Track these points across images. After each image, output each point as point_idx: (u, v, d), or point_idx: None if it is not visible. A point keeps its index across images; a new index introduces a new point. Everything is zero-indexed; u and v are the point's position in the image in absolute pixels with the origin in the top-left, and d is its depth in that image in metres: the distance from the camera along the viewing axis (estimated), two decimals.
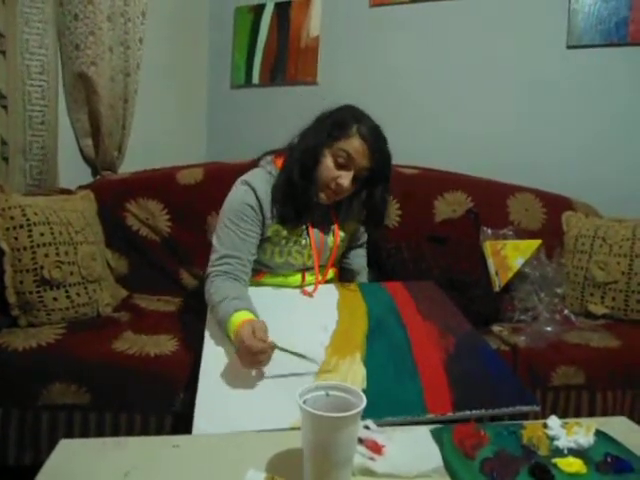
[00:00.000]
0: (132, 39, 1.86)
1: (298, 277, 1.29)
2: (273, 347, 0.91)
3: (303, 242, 1.25)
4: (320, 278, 1.29)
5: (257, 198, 1.18)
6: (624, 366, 1.25)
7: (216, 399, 0.86)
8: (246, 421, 0.81)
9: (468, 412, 0.84)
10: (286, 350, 0.92)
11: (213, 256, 1.16)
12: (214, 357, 0.98)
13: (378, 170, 1.18)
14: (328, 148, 1.15)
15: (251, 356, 0.90)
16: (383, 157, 1.18)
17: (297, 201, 1.18)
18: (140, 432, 1.12)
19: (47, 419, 1.12)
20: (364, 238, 1.51)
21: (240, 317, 0.98)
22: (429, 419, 0.82)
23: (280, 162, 1.24)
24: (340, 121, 1.16)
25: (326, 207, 1.26)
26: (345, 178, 1.15)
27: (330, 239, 1.29)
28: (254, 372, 0.92)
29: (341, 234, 1.31)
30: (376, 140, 1.16)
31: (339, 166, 1.15)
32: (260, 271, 1.28)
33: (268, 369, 0.92)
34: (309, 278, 1.29)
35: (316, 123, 1.21)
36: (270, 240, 1.23)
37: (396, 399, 0.86)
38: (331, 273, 1.36)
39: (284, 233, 1.22)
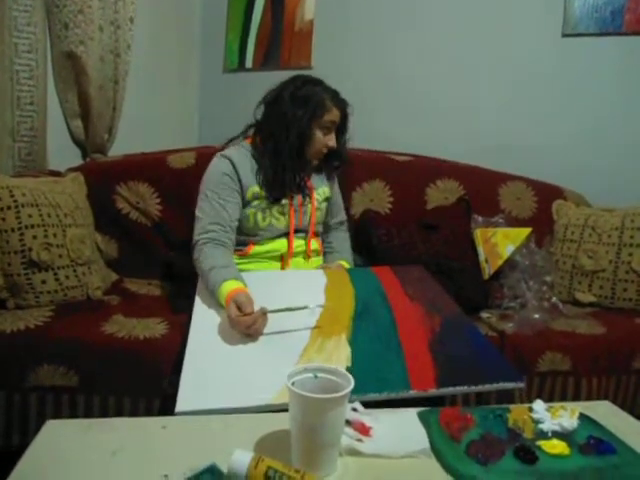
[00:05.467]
0: (123, 18, 1.83)
1: (284, 242, 1.33)
2: (264, 313, 0.99)
3: (282, 202, 1.31)
4: (304, 244, 1.36)
5: (233, 165, 1.28)
6: (609, 353, 1.27)
7: (200, 376, 0.87)
8: (229, 398, 0.80)
9: (451, 388, 0.84)
10: (278, 311, 1.00)
11: (197, 225, 1.24)
12: (201, 334, 1.00)
13: (342, 122, 1.35)
14: (316, 124, 1.28)
15: (245, 330, 0.97)
16: (346, 107, 1.34)
17: (293, 170, 1.29)
18: (129, 414, 1.12)
19: (35, 401, 1.11)
20: (342, 215, 1.54)
21: (227, 288, 1.06)
22: (412, 395, 0.83)
23: (249, 140, 1.37)
24: (316, 98, 1.28)
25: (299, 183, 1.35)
26: (333, 140, 1.32)
27: (308, 200, 1.36)
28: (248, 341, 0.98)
29: (317, 197, 1.38)
30: (342, 100, 1.32)
31: (325, 133, 1.30)
32: (247, 243, 1.32)
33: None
34: (296, 242, 1.34)
35: (284, 105, 1.28)
36: (251, 204, 1.29)
37: (380, 376, 0.86)
38: (315, 244, 1.40)
39: (262, 193, 1.29)
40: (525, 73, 1.99)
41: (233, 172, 1.27)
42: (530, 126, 2.00)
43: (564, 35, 1.92)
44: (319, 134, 1.29)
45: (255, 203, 1.29)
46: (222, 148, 1.37)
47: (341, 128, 1.35)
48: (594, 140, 1.94)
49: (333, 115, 1.29)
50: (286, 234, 1.34)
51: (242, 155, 1.31)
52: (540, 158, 1.96)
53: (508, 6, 1.97)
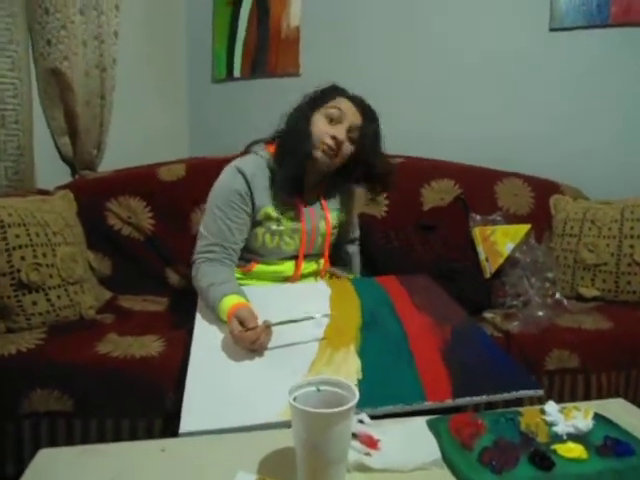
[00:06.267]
0: (106, 33, 1.80)
1: (291, 265, 1.27)
2: (268, 326, 0.95)
3: (295, 227, 1.24)
4: (317, 267, 1.31)
5: (247, 182, 1.18)
6: (617, 347, 1.24)
7: (205, 395, 0.83)
8: (234, 416, 0.77)
9: (468, 398, 0.81)
10: (282, 323, 0.97)
11: (199, 242, 1.19)
12: (203, 351, 0.96)
13: (369, 128, 1.19)
14: (317, 110, 1.18)
15: (249, 345, 0.93)
16: (372, 113, 1.21)
17: (295, 164, 1.16)
18: (128, 437, 1.08)
19: (29, 428, 1.08)
20: (356, 233, 1.49)
21: (228, 303, 1.02)
22: (427, 407, 0.80)
23: (272, 148, 1.25)
24: (323, 90, 1.21)
25: (316, 192, 1.28)
26: (339, 132, 1.16)
27: (322, 224, 1.29)
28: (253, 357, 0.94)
29: (332, 221, 1.31)
30: (362, 100, 1.22)
31: (331, 122, 1.17)
32: (251, 260, 1.26)
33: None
34: (305, 266, 1.28)
35: (299, 104, 1.23)
36: (262, 224, 1.22)
37: (393, 388, 0.83)
38: (323, 264, 1.35)
39: (274, 214, 1.21)
40: (514, 69, 1.98)
41: (246, 191, 1.17)
42: (520, 121, 1.99)
43: (551, 29, 1.91)
44: (321, 120, 1.16)
45: (266, 224, 1.21)
46: (241, 153, 1.29)
47: (367, 137, 1.19)
48: (585, 133, 1.92)
49: (341, 104, 1.17)
50: (294, 257, 1.27)
51: (258, 169, 1.21)
52: (532, 153, 1.94)
53: (494, 2, 1.96)
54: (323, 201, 1.29)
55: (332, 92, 1.20)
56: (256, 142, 1.29)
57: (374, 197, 1.37)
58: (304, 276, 1.30)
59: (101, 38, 1.79)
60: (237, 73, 2.34)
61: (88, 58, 1.75)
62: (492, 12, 1.97)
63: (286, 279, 1.28)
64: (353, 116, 1.17)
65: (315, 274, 1.33)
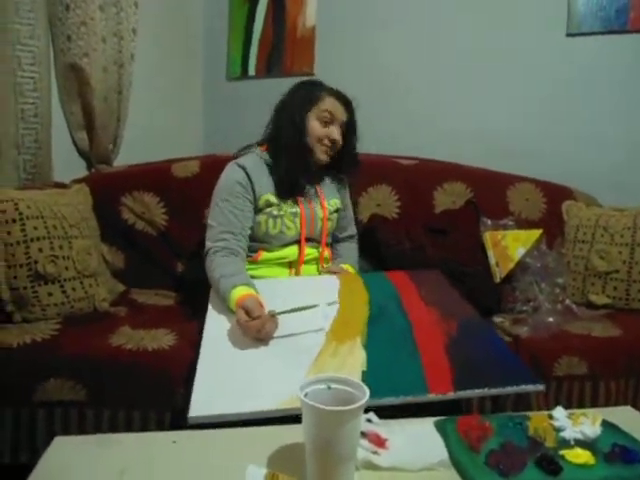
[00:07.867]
0: (125, 29, 1.83)
1: (294, 249, 1.32)
2: (273, 315, 0.98)
3: (294, 210, 1.31)
4: (318, 254, 1.36)
5: (246, 174, 1.28)
6: (626, 355, 1.24)
7: (214, 382, 0.85)
8: (243, 403, 0.79)
9: (470, 391, 0.82)
10: (287, 312, 0.99)
11: (209, 234, 1.25)
12: (213, 340, 0.98)
13: (351, 121, 1.34)
14: (311, 113, 1.30)
15: (256, 334, 0.96)
16: (351, 105, 1.34)
17: (298, 165, 1.28)
18: (139, 428, 1.10)
19: (43, 416, 1.10)
20: (352, 229, 1.52)
21: (236, 294, 1.06)
22: (429, 399, 0.81)
23: (264, 148, 1.36)
24: (308, 91, 1.32)
25: (311, 181, 1.36)
26: (335, 133, 1.31)
27: (319, 209, 1.35)
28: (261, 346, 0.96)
29: (329, 207, 1.37)
30: (344, 95, 1.33)
31: (325, 124, 1.30)
32: (258, 249, 1.31)
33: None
34: (307, 250, 1.33)
35: (282, 105, 1.34)
36: (263, 211, 1.29)
37: (396, 380, 0.84)
38: (326, 252, 1.39)
39: (275, 200, 1.29)
40: (530, 74, 1.97)
41: (247, 181, 1.27)
42: (535, 127, 1.98)
43: (568, 34, 1.91)
44: (316, 124, 1.29)
45: (267, 210, 1.29)
46: (235, 156, 1.37)
47: (350, 129, 1.34)
48: (601, 140, 1.91)
49: (330, 104, 1.29)
50: (297, 242, 1.33)
51: (256, 163, 1.31)
52: (546, 158, 1.94)
53: (512, 7, 1.96)
54: (318, 188, 1.37)
55: (317, 91, 1.31)
56: (247, 147, 1.39)
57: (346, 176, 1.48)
58: (306, 262, 1.34)
59: (120, 35, 1.82)
60: (252, 72, 2.35)
61: (107, 54, 1.77)
62: (510, 16, 1.97)
63: (290, 264, 1.33)
64: (341, 115, 1.31)
65: (317, 261, 1.36)
